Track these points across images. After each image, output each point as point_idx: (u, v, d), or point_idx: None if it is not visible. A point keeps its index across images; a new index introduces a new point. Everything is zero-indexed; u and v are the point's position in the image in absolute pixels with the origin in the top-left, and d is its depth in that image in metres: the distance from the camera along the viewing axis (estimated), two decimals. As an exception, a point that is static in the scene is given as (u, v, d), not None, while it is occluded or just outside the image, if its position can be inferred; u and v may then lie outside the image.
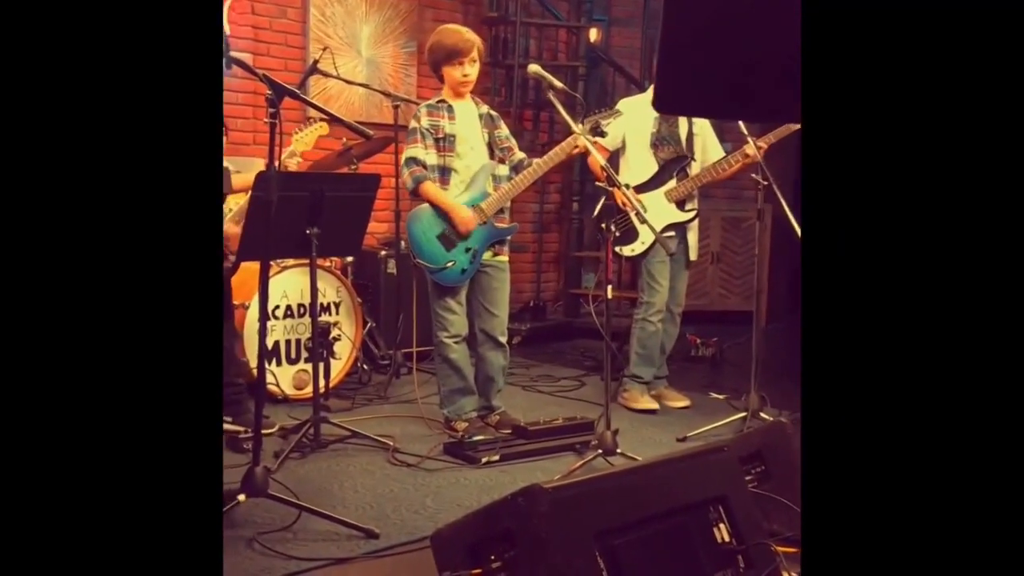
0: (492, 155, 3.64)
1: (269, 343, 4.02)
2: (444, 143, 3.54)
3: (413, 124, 3.57)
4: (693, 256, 4.23)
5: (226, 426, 3.48)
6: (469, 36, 3.57)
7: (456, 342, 3.58)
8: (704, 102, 1.05)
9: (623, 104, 3.99)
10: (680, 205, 4.09)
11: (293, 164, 3.82)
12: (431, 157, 3.53)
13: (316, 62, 4.43)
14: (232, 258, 3.33)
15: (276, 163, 2.54)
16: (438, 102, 3.60)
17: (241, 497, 2.50)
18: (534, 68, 3.39)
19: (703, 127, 4.16)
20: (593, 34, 6.46)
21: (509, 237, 3.70)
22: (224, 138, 4.30)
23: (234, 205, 3.76)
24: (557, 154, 3.48)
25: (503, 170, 3.65)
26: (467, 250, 3.52)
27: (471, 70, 3.57)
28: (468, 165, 3.57)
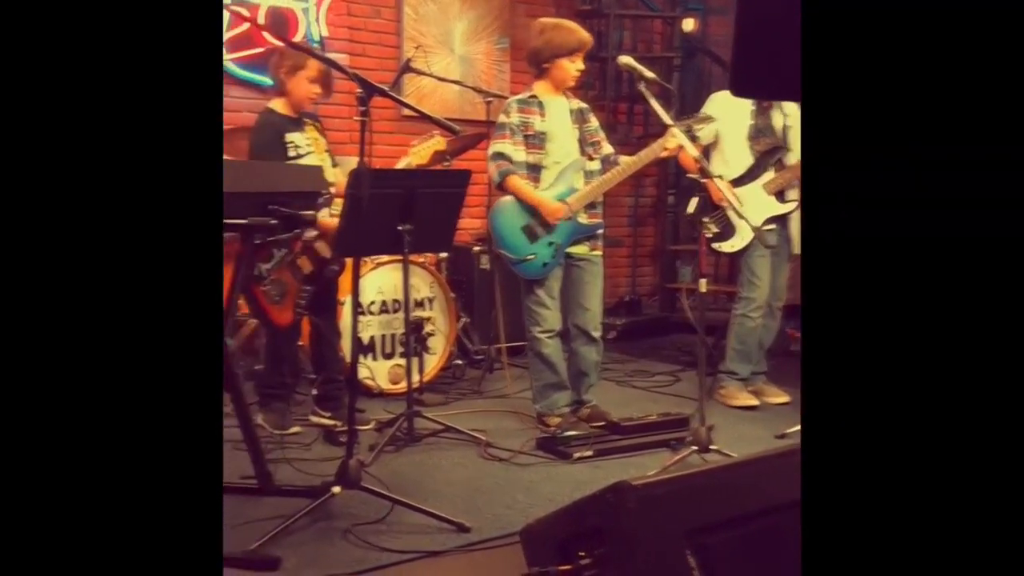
0: (582, 151, 3.62)
1: (365, 338, 4.08)
2: (534, 140, 3.53)
3: (502, 119, 3.56)
4: (796, 249, 4.11)
5: (323, 420, 3.56)
6: (585, 32, 3.58)
7: (549, 337, 3.57)
8: (779, 84, 1.01)
9: (718, 96, 3.91)
10: (780, 196, 3.98)
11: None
12: (519, 154, 3.52)
13: (409, 61, 4.47)
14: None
15: (366, 159, 2.57)
16: (529, 97, 3.59)
17: (336, 489, 2.55)
18: (625, 60, 3.34)
19: (796, 117, 4.05)
20: (689, 24, 6.34)
21: (599, 232, 3.67)
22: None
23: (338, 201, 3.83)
24: (647, 155, 3.45)
25: (594, 165, 3.62)
26: (550, 244, 3.51)
27: (583, 65, 3.57)
28: (558, 161, 3.56)
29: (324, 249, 3.40)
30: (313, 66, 3.42)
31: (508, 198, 3.55)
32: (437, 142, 3.68)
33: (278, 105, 3.47)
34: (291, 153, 3.39)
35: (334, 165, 3.63)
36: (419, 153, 3.67)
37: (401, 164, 3.68)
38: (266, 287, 3.37)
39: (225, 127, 4.59)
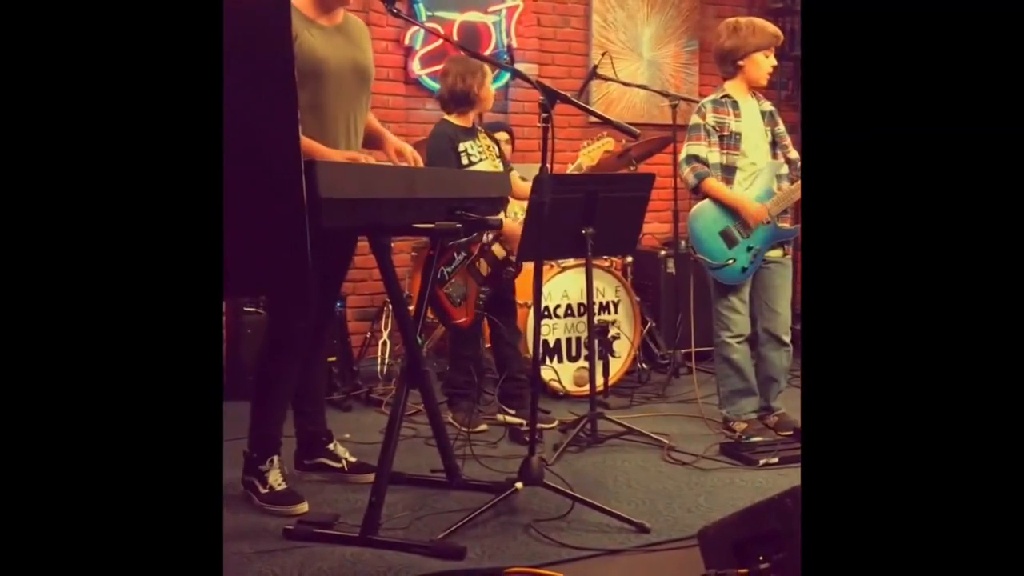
0: (774, 153, 3.54)
1: (550, 340, 4.16)
2: (729, 141, 3.48)
3: (696, 120, 3.53)
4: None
5: (508, 418, 3.66)
6: (777, 28, 3.54)
7: (739, 342, 3.51)
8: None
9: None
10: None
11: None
12: (714, 155, 3.48)
13: (596, 67, 4.53)
14: (513, 258, 3.51)
15: (549, 165, 2.63)
16: (722, 97, 3.53)
17: (518, 485, 2.62)
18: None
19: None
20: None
21: (793, 237, 3.58)
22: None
23: (519, 209, 3.94)
24: None
25: (786, 168, 3.54)
26: (748, 248, 3.44)
27: (775, 61, 3.52)
28: (753, 163, 3.49)
29: (500, 251, 3.54)
30: (488, 73, 3.61)
31: (706, 202, 3.51)
32: (607, 143, 3.71)
33: (454, 118, 3.64)
34: (464, 161, 3.54)
35: (509, 171, 3.74)
36: (589, 154, 3.72)
37: (572, 168, 3.73)
38: (448, 289, 3.55)
39: (419, 137, 4.81)
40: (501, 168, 3.68)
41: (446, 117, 3.66)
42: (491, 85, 3.65)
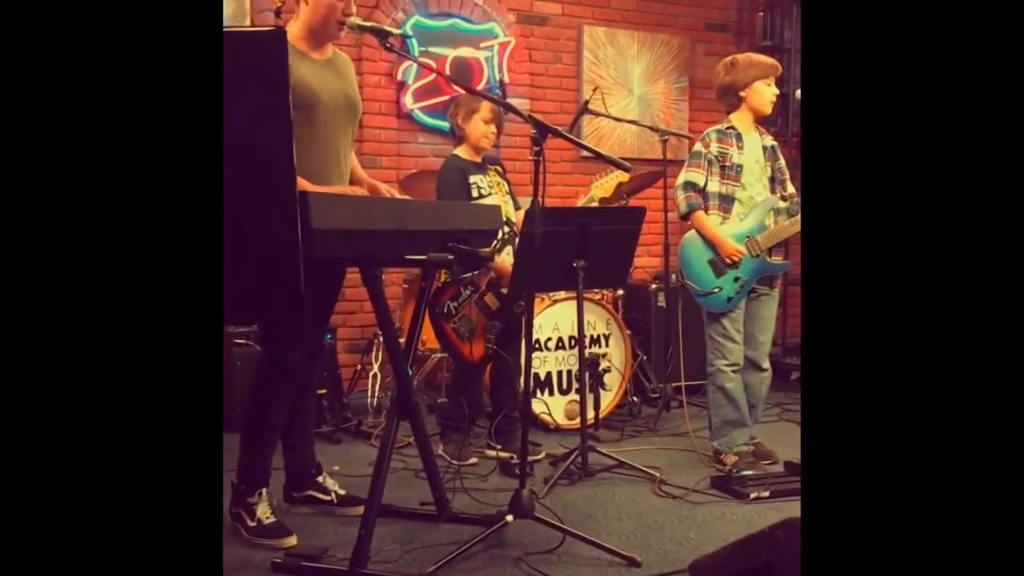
0: (773, 188, 3.59)
1: (541, 373, 4.16)
2: (730, 171, 3.51)
3: (699, 148, 3.56)
4: None
5: (499, 453, 3.66)
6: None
7: (733, 370, 3.51)
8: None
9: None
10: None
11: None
12: (714, 184, 3.51)
13: (586, 102, 4.57)
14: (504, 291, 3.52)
15: (542, 199, 2.65)
16: (727, 128, 3.57)
17: (509, 518, 2.61)
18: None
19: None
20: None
21: (783, 272, 3.61)
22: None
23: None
24: None
25: (783, 204, 3.58)
26: (736, 279, 3.47)
27: (777, 90, 3.56)
28: (751, 196, 3.53)
29: (492, 301, 3.58)
30: (486, 108, 3.61)
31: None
32: (620, 175, 3.72)
33: (462, 151, 3.68)
34: (475, 193, 3.56)
35: (517, 208, 3.77)
36: (603, 186, 3.73)
37: (584, 200, 3.76)
38: (455, 324, 3.55)
39: (411, 170, 4.84)
40: (511, 206, 3.72)
41: (455, 152, 3.72)
42: (482, 123, 3.64)
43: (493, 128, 3.66)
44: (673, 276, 4.77)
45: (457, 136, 3.71)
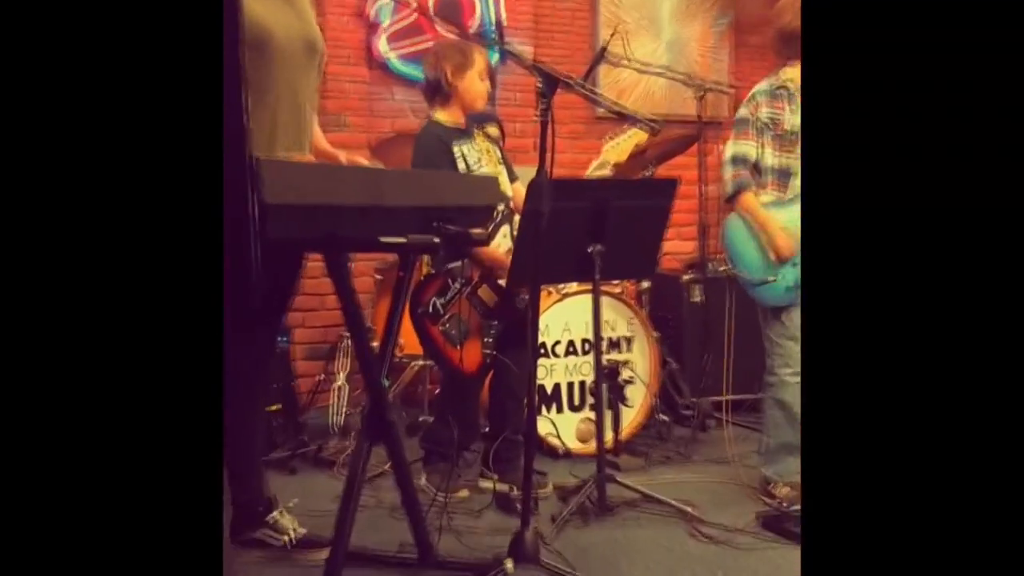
0: None
1: (548, 386, 4.16)
2: (786, 139, 3.47)
3: (744, 113, 3.54)
4: None
5: (496, 484, 3.64)
6: None
7: (799, 381, 3.49)
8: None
9: None
10: None
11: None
12: (767, 156, 3.49)
13: (604, 48, 4.55)
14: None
15: (550, 169, 2.64)
16: (779, 88, 3.52)
17: (508, 564, 2.60)
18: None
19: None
20: None
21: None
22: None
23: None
24: None
25: None
26: (795, 264, 3.43)
27: None
28: None
29: (488, 294, 3.53)
30: (480, 58, 3.56)
31: None
32: (636, 134, 3.67)
33: (442, 116, 3.63)
34: (460, 166, 3.52)
35: (513, 179, 3.74)
36: (617, 148, 3.66)
37: (594, 166, 3.70)
38: (444, 326, 3.49)
39: (385, 133, 4.82)
40: (505, 176, 3.68)
41: (432, 116, 3.66)
42: (479, 79, 3.60)
43: (489, 86, 3.64)
44: (711, 264, 4.77)
45: (443, 95, 3.64)
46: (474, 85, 3.60)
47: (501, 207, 3.58)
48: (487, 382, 3.76)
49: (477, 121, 3.74)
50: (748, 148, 3.49)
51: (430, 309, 3.51)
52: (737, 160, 3.50)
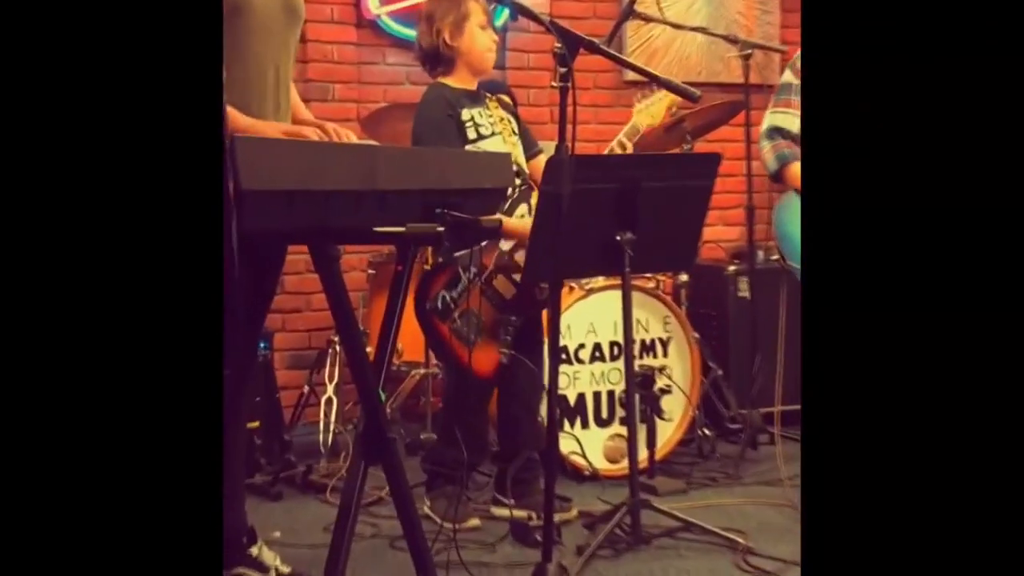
0: None
1: (571, 397, 4.16)
2: None
3: (788, 78, 3.55)
4: None
5: (512, 512, 3.65)
6: None
7: None
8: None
9: None
10: None
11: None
12: None
13: (632, 3, 4.55)
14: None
15: (571, 143, 2.65)
16: None
17: (527, 605, 2.62)
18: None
19: None
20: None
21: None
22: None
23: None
24: None
25: None
26: None
27: None
28: None
29: (504, 285, 3.53)
30: (478, 9, 3.55)
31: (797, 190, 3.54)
32: (668, 96, 3.64)
33: (450, 79, 3.64)
34: (470, 135, 3.52)
35: (534, 153, 3.74)
36: (648, 111, 3.63)
37: (624, 131, 3.68)
38: (455, 323, 3.48)
39: (377, 103, 4.83)
40: (520, 149, 3.68)
41: (439, 79, 3.65)
42: (481, 30, 3.58)
43: (494, 36, 3.63)
44: (760, 253, 4.76)
45: (445, 61, 3.63)
46: (478, 40, 3.59)
47: (518, 181, 3.56)
48: (495, 393, 3.75)
49: (488, 90, 3.74)
50: (787, 119, 3.51)
51: (438, 304, 3.49)
52: (774, 132, 3.52)
